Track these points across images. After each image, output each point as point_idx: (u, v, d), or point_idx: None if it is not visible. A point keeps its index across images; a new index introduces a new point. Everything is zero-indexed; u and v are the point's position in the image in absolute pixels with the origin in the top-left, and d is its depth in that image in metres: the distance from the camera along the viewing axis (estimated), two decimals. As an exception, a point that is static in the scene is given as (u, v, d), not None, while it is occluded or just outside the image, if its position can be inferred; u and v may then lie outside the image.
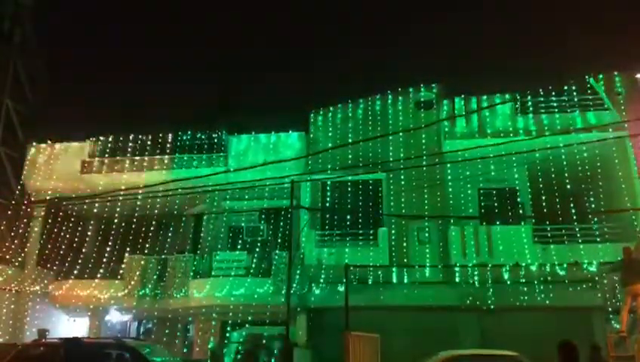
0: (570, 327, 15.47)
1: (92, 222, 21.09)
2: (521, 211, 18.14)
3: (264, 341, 18.19)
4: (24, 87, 22.71)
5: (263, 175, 16.86)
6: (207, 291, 17.79)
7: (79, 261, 19.74)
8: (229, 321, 18.70)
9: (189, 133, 20.33)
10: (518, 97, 18.33)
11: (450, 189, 18.22)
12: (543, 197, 17.70)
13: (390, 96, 19.66)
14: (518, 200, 18.28)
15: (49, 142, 21.18)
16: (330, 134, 19.54)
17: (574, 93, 18.14)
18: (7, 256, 19.24)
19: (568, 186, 17.51)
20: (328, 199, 19.01)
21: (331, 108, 19.88)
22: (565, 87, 18.09)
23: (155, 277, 18.90)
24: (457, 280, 16.96)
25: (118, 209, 19.99)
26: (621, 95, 17.41)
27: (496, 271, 16.61)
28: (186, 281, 18.41)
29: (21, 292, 19.62)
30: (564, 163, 17.42)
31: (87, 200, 19.50)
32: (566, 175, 17.51)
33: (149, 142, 20.33)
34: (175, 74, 48.72)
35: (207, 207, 20.25)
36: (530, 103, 18.31)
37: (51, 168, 20.65)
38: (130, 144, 20.42)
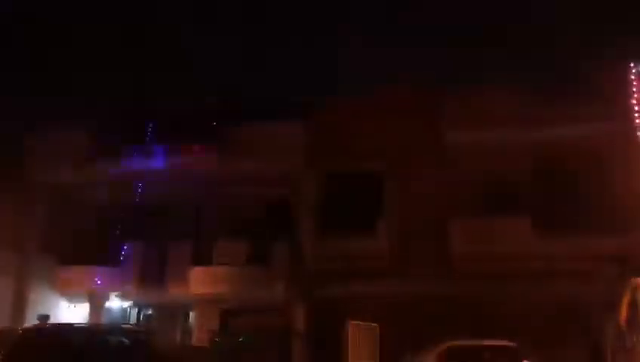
0: (570, 320, 15.56)
1: (94, 208, 21.08)
2: (522, 203, 18.05)
3: (264, 329, 18.22)
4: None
5: (264, 165, 16.87)
6: (208, 279, 17.81)
7: (80, 247, 19.78)
8: (229, 309, 18.75)
9: (192, 120, 20.24)
10: (522, 90, 18.17)
11: (452, 180, 18.15)
12: (545, 190, 17.63)
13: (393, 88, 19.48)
14: (520, 192, 18.20)
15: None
16: (333, 125, 19.42)
17: (578, 85, 17.96)
18: (9, 242, 19.26)
19: (570, 179, 17.44)
20: (330, 190, 18.97)
21: (334, 100, 19.71)
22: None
23: (155, 264, 18.93)
24: (457, 271, 16.94)
25: (120, 196, 19.99)
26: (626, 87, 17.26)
27: (497, 263, 16.58)
28: (187, 269, 18.43)
29: (22, 278, 19.67)
30: (567, 155, 17.35)
31: (89, 187, 19.51)
32: (568, 167, 17.43)
33: (151, 130, 20.26)
34: (174, 65, 48.23)
35: (208, 196, 20.22)
36: (533, 95, 18.12)
37: (54, 154, 20.61)
38: (133, 131, 20.36)
